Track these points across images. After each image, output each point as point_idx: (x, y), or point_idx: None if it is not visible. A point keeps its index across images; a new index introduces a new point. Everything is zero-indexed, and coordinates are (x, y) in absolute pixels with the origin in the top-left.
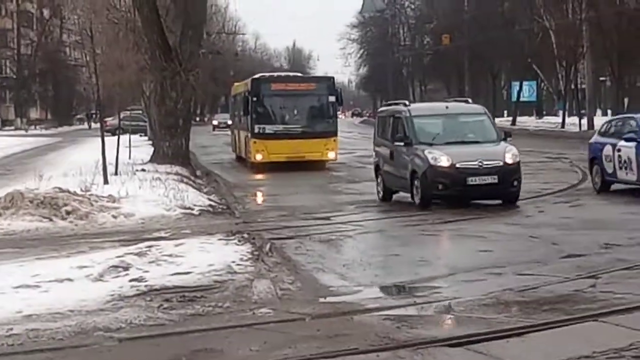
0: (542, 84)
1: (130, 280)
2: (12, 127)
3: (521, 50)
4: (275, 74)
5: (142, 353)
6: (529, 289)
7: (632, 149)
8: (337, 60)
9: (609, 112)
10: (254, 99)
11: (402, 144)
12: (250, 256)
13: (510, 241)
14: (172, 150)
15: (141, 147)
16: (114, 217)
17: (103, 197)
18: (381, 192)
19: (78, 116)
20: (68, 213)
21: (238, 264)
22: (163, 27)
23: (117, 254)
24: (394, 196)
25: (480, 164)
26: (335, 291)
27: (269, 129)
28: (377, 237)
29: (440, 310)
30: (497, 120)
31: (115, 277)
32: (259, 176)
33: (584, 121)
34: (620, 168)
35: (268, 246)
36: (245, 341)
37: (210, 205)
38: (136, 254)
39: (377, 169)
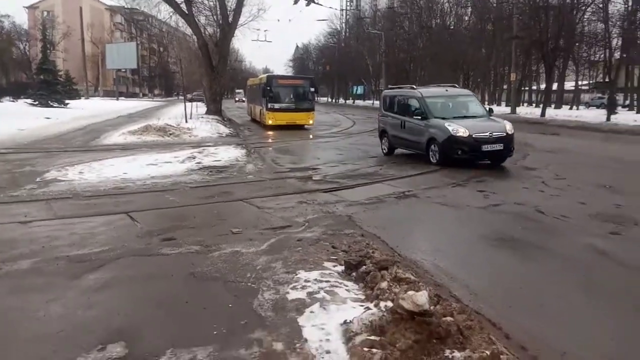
0: (366, 87)
1: (196, 163)
2: (147, 97)
3: (358, 73)
4: (280, 74)
5: (200, 192)
6: (355, 170)
7: None
8: None
9: None
10: (268, 87)
11: (419, 117)
12: (245, 154)
13: (348, 150)
14: (214, 109)
15: (201, 108)
16: (189, 136)
17: (184, 127)
18: (386, 149)
19: (174, 93)
20: (170, 134)
21: (240, 157)
22: (211, 57)
23: (190, 152)
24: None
25: (490, 134)
26: (279, 169)
27: (277, 106)
28: (299, 147)
29: (320, 177)
30: (356, 102)
31: (189, 162)
32: (263, 129)
33: None
34: None
35: (252, 150)
36: (242, 189)
37: (230, 133)
38: (198, 152)
39: (383, 133)
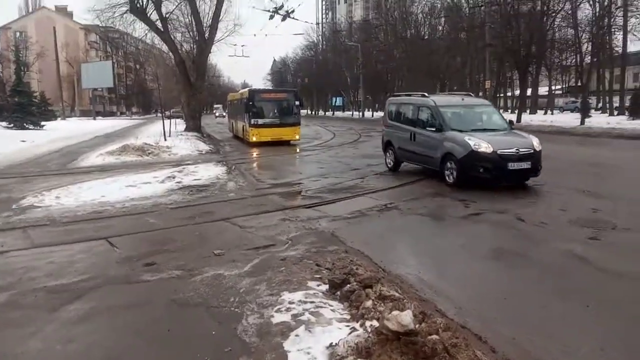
0: (345, 98)
1: (176, 182)
2: (124, 116)
3: (336, 84)
4: (263, 87)
5: (181, 213)
6: (337, 184)
7: None
8: None
9: (371, 110)
10: (250, 103)
11: (433, 129)
12: (226, 172)
13: (329, 164)
14: (193, 126)
15: (180, 125)
16: (169, 155)
17: (163, 146)
18: (391, 163)
19: (153, 111)
20: (149, 153)
21: (221, 175)
22: (188, 74)
23: (170, 171)
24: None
25: (517, 151)
26: (260, 186)
27: (260, 121)
28: (280, 162)
29: (303, 193)
30: (335, 113)
31: (169, 182)
32: (244, 145)
33: (361, 114)
34: None
35: (233, 167)
36: (224, 208)
37: (210, 150)
38: (178, 171)
39: (388, 145)
